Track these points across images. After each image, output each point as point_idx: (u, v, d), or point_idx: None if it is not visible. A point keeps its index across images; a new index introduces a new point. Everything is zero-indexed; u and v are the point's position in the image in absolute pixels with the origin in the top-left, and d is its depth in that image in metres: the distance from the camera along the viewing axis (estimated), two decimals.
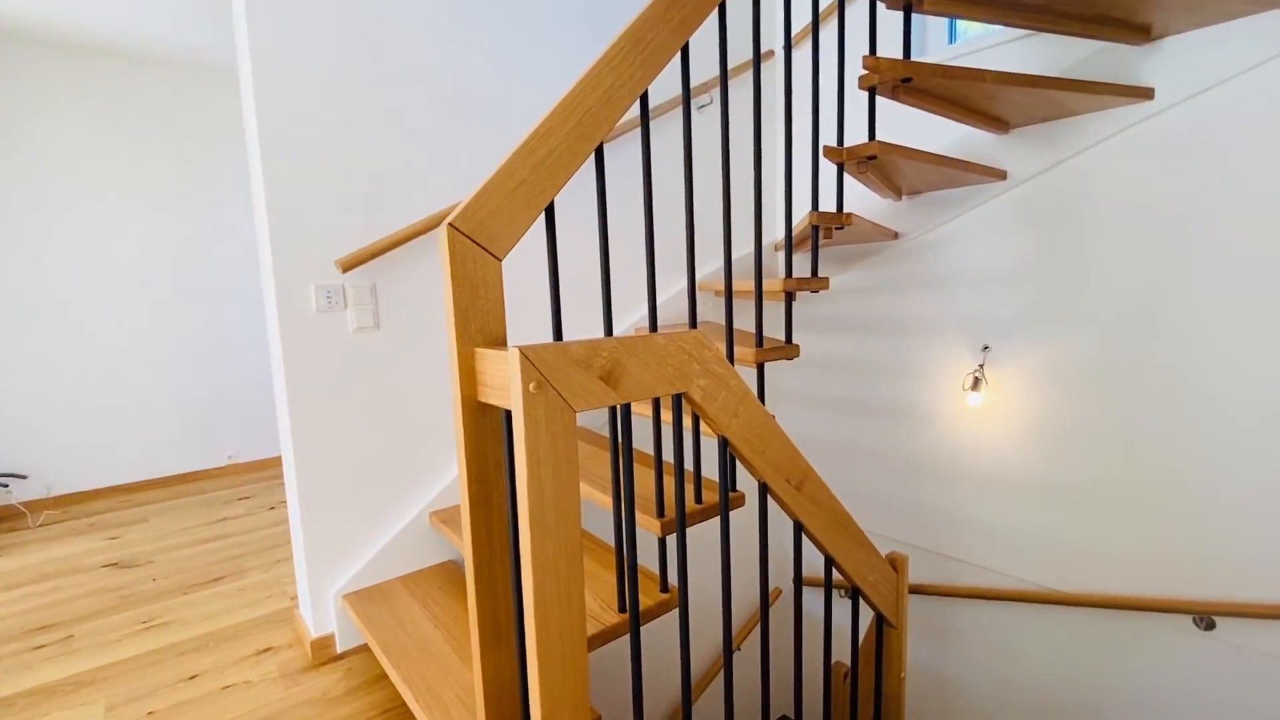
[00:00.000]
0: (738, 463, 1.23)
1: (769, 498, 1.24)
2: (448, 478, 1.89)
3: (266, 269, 1.62)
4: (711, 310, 2.54)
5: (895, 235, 2.42)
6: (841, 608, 2.77)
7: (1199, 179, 1.76)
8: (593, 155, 1.11)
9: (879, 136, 2.30)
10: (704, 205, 2.46)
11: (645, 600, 1.29)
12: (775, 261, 2.79)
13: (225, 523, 2.77)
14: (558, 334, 1.11)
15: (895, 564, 1.60)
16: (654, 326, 1.24)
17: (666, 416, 1.56)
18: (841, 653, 2.53)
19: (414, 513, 1.82)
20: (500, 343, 1.00)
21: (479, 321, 0.98)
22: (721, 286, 2.34)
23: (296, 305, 1.61)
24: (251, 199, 1.67)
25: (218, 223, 3.65)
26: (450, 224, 0.94)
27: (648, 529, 1.30)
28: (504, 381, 0.90)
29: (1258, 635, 1.78)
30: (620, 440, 1.07)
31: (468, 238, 0.95)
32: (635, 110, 2.11)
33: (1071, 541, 2.11)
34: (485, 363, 0.95)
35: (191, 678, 1.60)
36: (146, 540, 2.61)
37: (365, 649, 1.72)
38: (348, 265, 1.60)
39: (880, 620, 1.61)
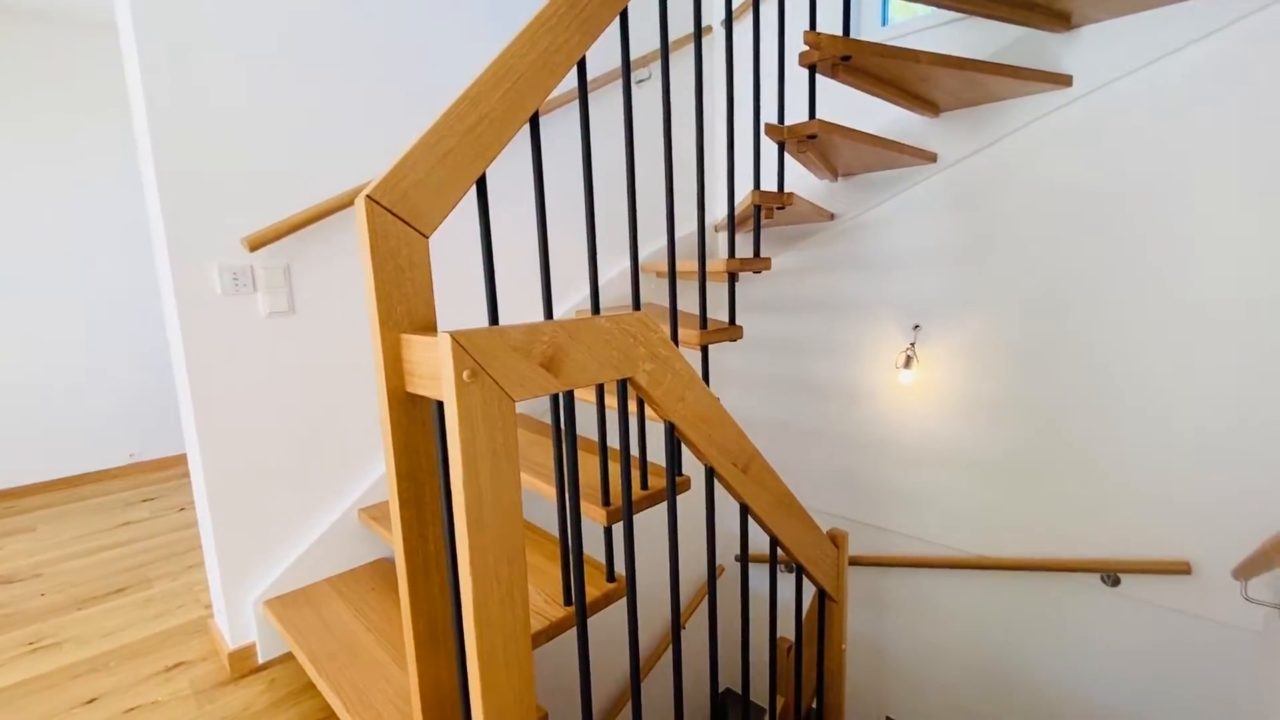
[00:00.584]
0: (683, 446, 1.20)
1: (715, 481, 1.21)
2: (377, 472, 1.78)
3: (160, 248, 1.45)
4: (652, 292, 2.51)
5: (831, 216, 2.45)
6: (786, 583, 2.83)
7: (1113, 164, 1.85)
8: (528, 124, 1.03)
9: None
10: (643, 184, 2.41)
11: (592, 591, 1.25)
12: (713, 243, 2.77)
13: (127, 528, 2.54)
14: (493, 318, 1.04)
15: (836, 541, 1.63)
16: (596, 309, 1.19)
17: (611, 402, 1.51)
18: (786, 629, 2.59)
19: (341, 510, 1.71)
20: (429, 328, 0.92)
21: (404, 305, 0.90)
22: (662, 268, 2.31)
23: (198, 288, 1.45)
24: (140, 169, 1.49)
25: (114, 198, 3.29)
26: (368, 196, 0.85)
27: (593, 518, 1.26)
28: (434, 370, 0.83)
29: (1156, 589, 1.93)
30: (564, 429, 1.02)
31: (389, 211, 0.87)
32: (571, 81, 2.02)
33: (994, 509, 2.22)
34: (412, 350, 0.87)
35: (89, 701, 1.45)
36: (34, 551, 2.35)
37: (290, 658, 1.60)
38: (257, 243, 1.46)
39: (822, 595, 1.63)
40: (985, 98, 1.97)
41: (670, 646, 1.20)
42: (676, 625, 1.18)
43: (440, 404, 0.89)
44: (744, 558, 1.35)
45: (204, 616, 1.80)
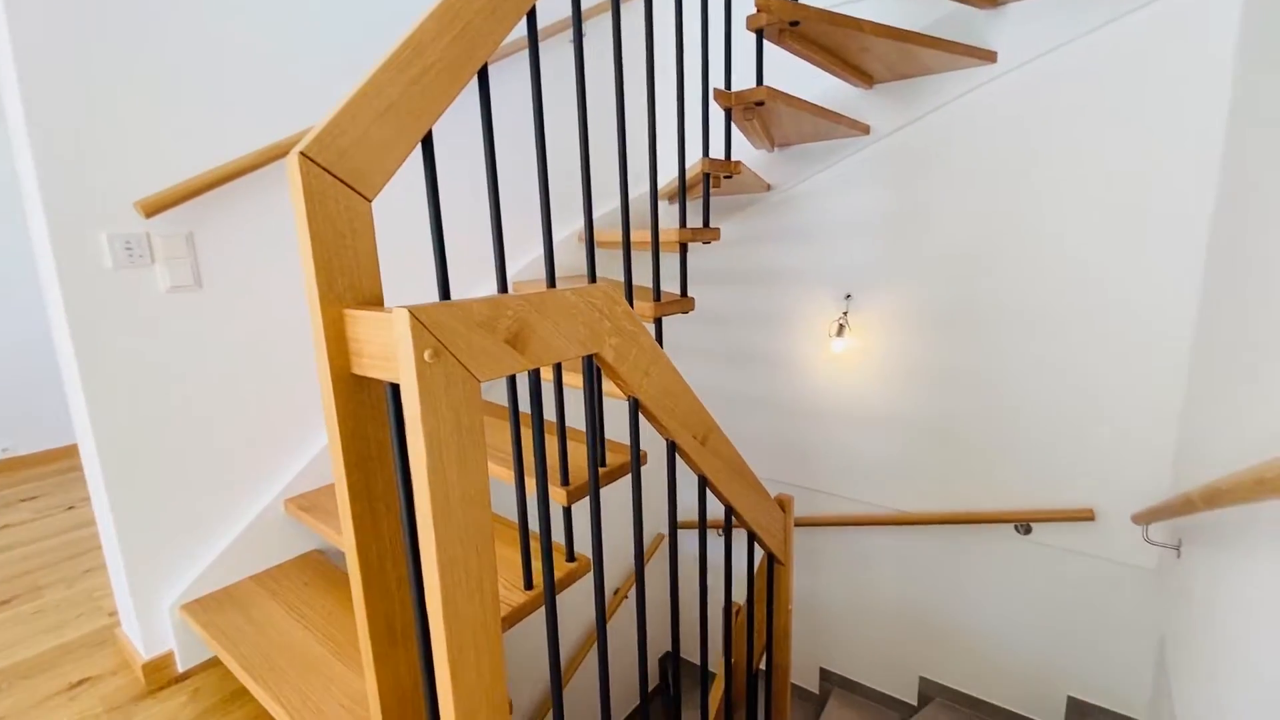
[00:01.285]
0: (640, 421, 1.17)
1: (675, 455, 1.20)
2: (304, 459, 1.65)
3: (36, 214, 1.25)
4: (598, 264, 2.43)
5: (768, 187, 2.46)
6: (717, 547, 2.90)
7: (1035, 138, 1.94)
8: (476, 77, 0.95)
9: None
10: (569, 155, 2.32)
11: (554, 573, 1.21)
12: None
13: (7, 531, 2.25)
14: (444, 292, 0.96)
15: (783, 505, 1.67)
16: (552, 281, 1.13)
17: (572, 380, 1.46)
18: (721, 593, 2.66)
19: (266, 501, 1.57)
20: (376, 302, 0.84)
21: (348, 277, 0.81)
22: (605, 237, 2.24)
23: (83, 259, 1.26)
24: (7, 121, 1.27)
25: None
26: (302, 154, 0.75)
27: (553, 499, 1.22)
28: (387, 350, 0.75)
29: (1062, 535, 2.11)
30: (531, 410, 0.97)
31: (326, 171, 0.77)
32: (516, 33, 1.90)
33: (920, 468, 2.35)
34: (360, 327, 0.79)
35: None
36: None
37: (214, 664, 1.48)
38: (153, 208, 1.28)
39: (771, 559, 1.68)
40: (917, 70, 2.02)
41: (605, 619, 1.19)
42: (641, 596, 1.17)
43: (395, 387, 0.82)
44: (702, 526, 1.35)
45: (108, 626, 1.63)
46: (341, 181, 0.79)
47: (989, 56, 1.92)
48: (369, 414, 0.84)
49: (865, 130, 2.18)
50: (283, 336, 1.57)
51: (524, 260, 2.20)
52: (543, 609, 1.38)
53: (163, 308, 1.38)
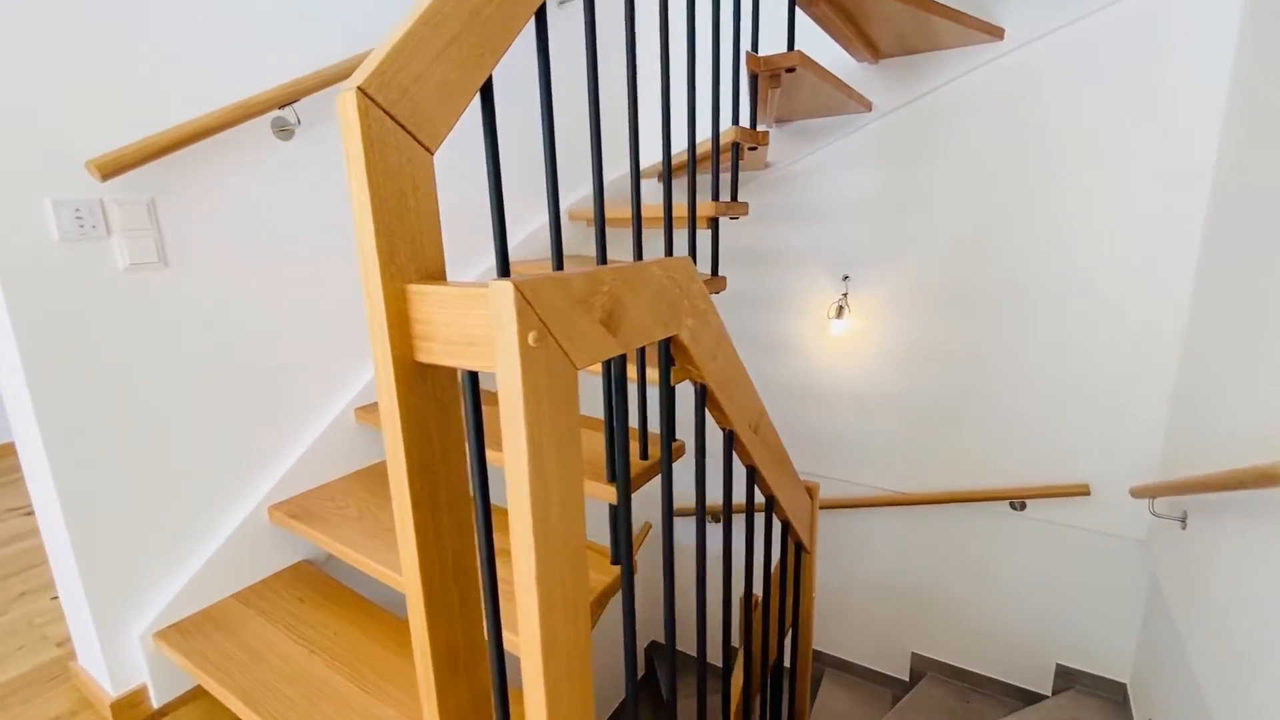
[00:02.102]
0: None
1: (732, 445, 1.11)
2: (288, 460, 1.46)
3: None
4: (580, 243, 2.30)
5: (766, 165, 2.39)
6: (715, 534, 2.85)
7: (1037, 118, 1.94)
8: (533, 19, 0.82)
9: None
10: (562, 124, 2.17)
11: (602, 578, 1.11)
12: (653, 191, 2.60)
13: None
14: (504, 268, 0.83)
15: (810, 493, 1.62)
16: (560, 261, 1.01)
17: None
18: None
19: (247, 509, 1.39)
20: (438, 275, 0.70)
21: (410, 246, 0.67)
22: (619, 214, 2.11)
23: (23, 229, 1.05)
24: None
25: None
26: (360, 89, 0.60)
27: (601, 497, 1.11)
28: (471, 332, 0.62)
29: (1055, 510, 2.16)
30: (612, 399, 0.85)
31: (387, 114, 0.63)
32: None
33: (919, 449, 2.36)
34: (430, 306, 0.66)
35: None
36: None
37: (199, 695, 1.30)
38: (110, 169, 1.08)
39: (798, 548, 1.62)
40: (925, 45, 1.97)
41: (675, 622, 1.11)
42: (702, 592, 1.08)
43: (472, 376, 0.69)
44: (749, 521, 1.27)
45: (60, 658, 1.41)
46: (403, 127, 0.65)
47: (997, 33, 1.90)
48: (433, 410, 0.71)
49: (868, 107, 2.13)
50: (260, 322, 1.38)
51: (515, 239, 2.05)
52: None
53: (121, 288, 1.17)
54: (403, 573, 0.74)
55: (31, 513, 2.19)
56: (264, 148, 1.36)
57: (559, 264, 1.00)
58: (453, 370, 0.72)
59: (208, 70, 1.25)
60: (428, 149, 0.68)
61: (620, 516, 0.92)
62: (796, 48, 1.63)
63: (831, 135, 2.26)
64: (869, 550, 2.56)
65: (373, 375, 1.63)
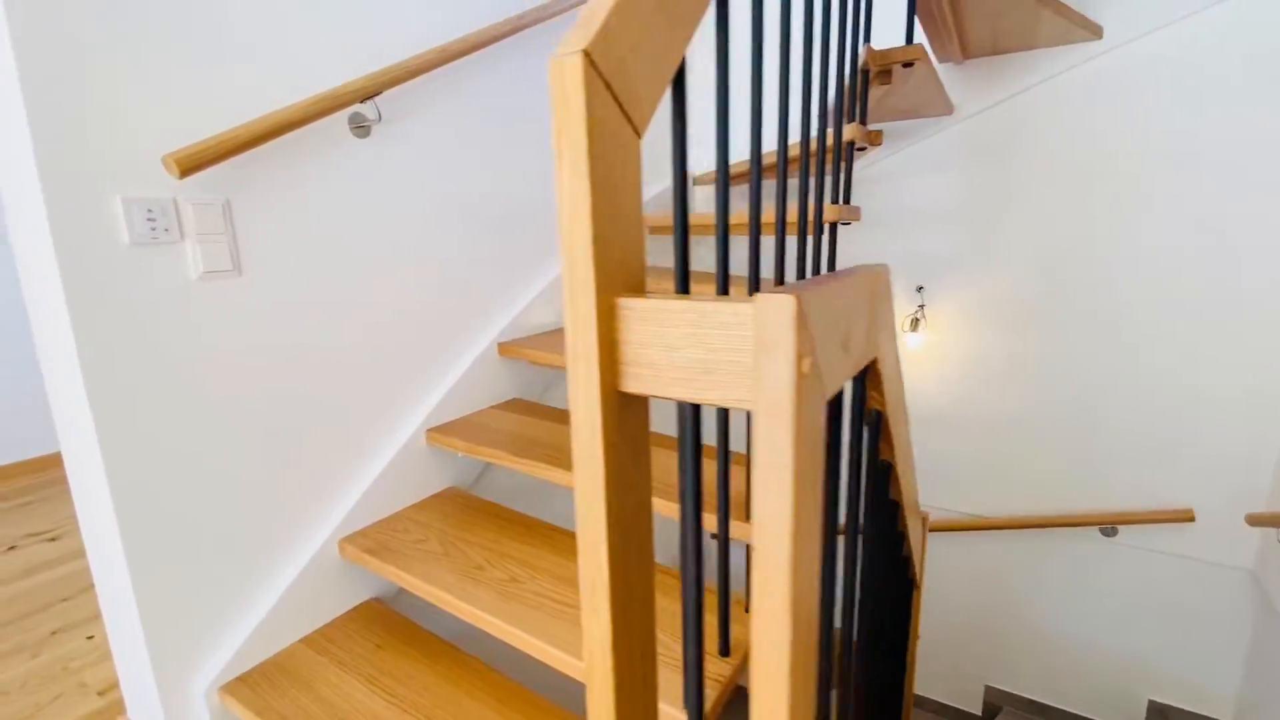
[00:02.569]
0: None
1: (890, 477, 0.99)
2: (359, 486, 1.33)
3: (24, 170, 0.89)
4: (657, 250, 2.17)
5: None
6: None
7: (1136, 123, 1.83)
8: None
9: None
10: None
11: (744, 632, 0.97)
12: (701, 198, 2.50)
13: None
14: (683, 283, 0.70)
15: (924, 521, 1.49)
16: (832, 263, 0.89)
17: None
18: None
19: (318, 542, 1.26)
20: (640, 288, 0.58)
21: (619, 251, 0.54)
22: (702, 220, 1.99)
23: (89, 230, 0.92)
24: None
25: None
26: (586, 53, 0.48)
27: (737, 537, 0.98)
28: (704, 356, 0.50)
29: (1151, 536, 2.03)
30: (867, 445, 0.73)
31: (607, 88, 0.51)
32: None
33: (1001, 471, 2.23)
34: (648, 324, 0.53)
35: None
36: None
37: None
38: (190, 164, 0.95)
39: (911, 582, 1.49)
40: (1019, 44, 1.87)
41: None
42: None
43: (694, 410, 0.57)
44: (892, 550, 1.14)
45: (104, 711, 1.26)
46: (620, 106, 0.52)
47: (1095, 31, 1.80)
48: (629, 452, 0.58)
49: (950, 110, 2.02)
50: (329, 337, 1.26)
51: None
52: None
53: (193, 299, 1.05)
54: (587, 648, 0.60)
55: (55, 538, 2.05)
56: (338, 146, 1.24)
57: (684, 281, 0.87)
58: (644, 403, 0.59)
59: (285, 58, 1.13)
60: (638, 133, 0.56)
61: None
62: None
63: (907, 139, 2.15)
64: (941, 576, 2.43)
65: (445, 394, 1.51)
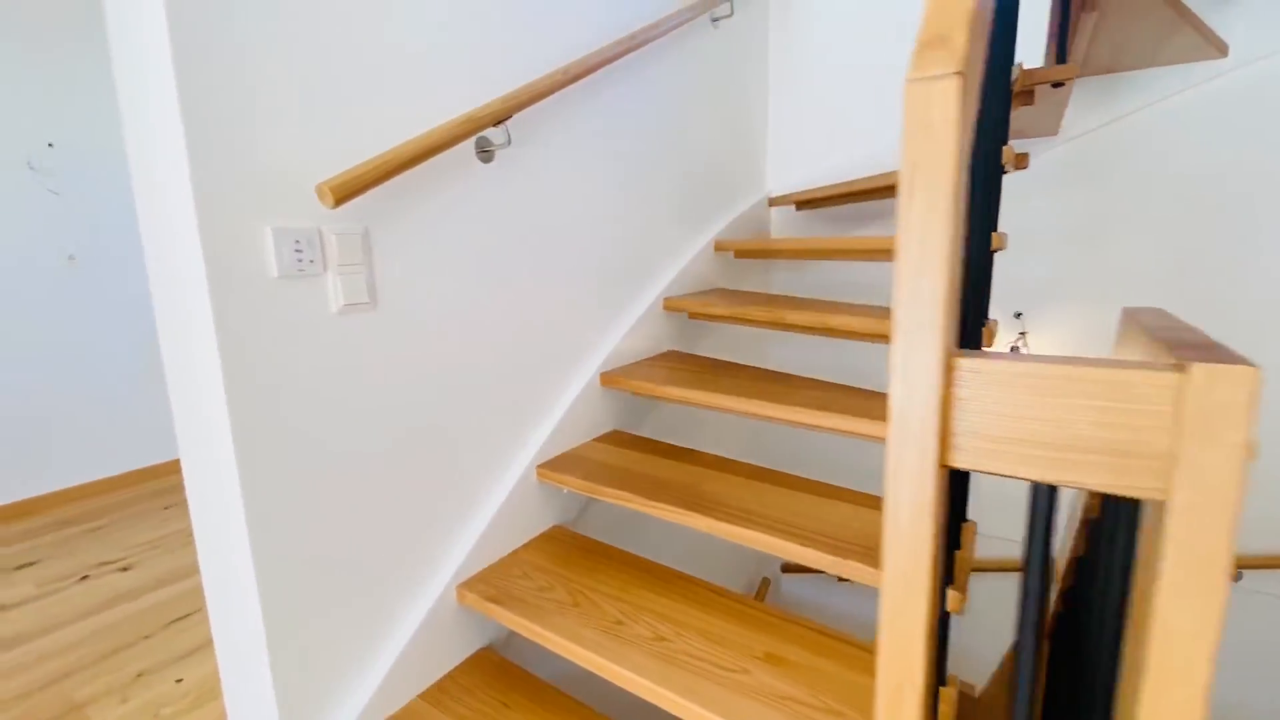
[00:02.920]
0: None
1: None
2: (475, 527, 1.26)
3: (179, 198, 0.84)
4: (728, 276, 2.11)
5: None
6: (847, 599, 2.60)
7: (1258, 149, 1.74)
8: None
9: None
10: (698, 152, 2.01)
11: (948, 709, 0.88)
12: (777, 221, 2.43)
13: (10, 617, 1.74)
14: (973, 334, 0.62)
15: None
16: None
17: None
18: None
19: (438, 588, 1.18)
20: (963, 343, 0.50)
21: (954, 300, 0.47)
22: (746, 243, 1.92)
23: (240, 263, 0.87)
24: (122, 68, 0.84)
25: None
26: (961, 74, 0.41)
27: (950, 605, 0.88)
28: (1083, 433, 0.42)
29: (1275, 581, 1.89)
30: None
31: (966, 113, 0.43)
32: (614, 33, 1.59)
33: None
34: (988, 388, 0.45)
35: None
36: None
37: None
38: (345, 192, 0.90)
39: None
40: (1137, 61, 1.79)
41: None
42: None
43: (1049, 497, 0.48)
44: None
45: None
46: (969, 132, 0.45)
47: (1222, 49, 1.71)
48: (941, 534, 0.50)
49: (1057, 130, 1.94)
50: (449, 373, 1.19)
51: (668, 272, 1.86)
52: None
53: (332, 334, 0.99)
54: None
55: (127, 568, 2.00)
56: (464, 172, 1.19)
57: (973, 329, 0.79)
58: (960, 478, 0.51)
59: (419, 81, 1.08)
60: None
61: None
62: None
63: None
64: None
65: (554, 427, 1.44)
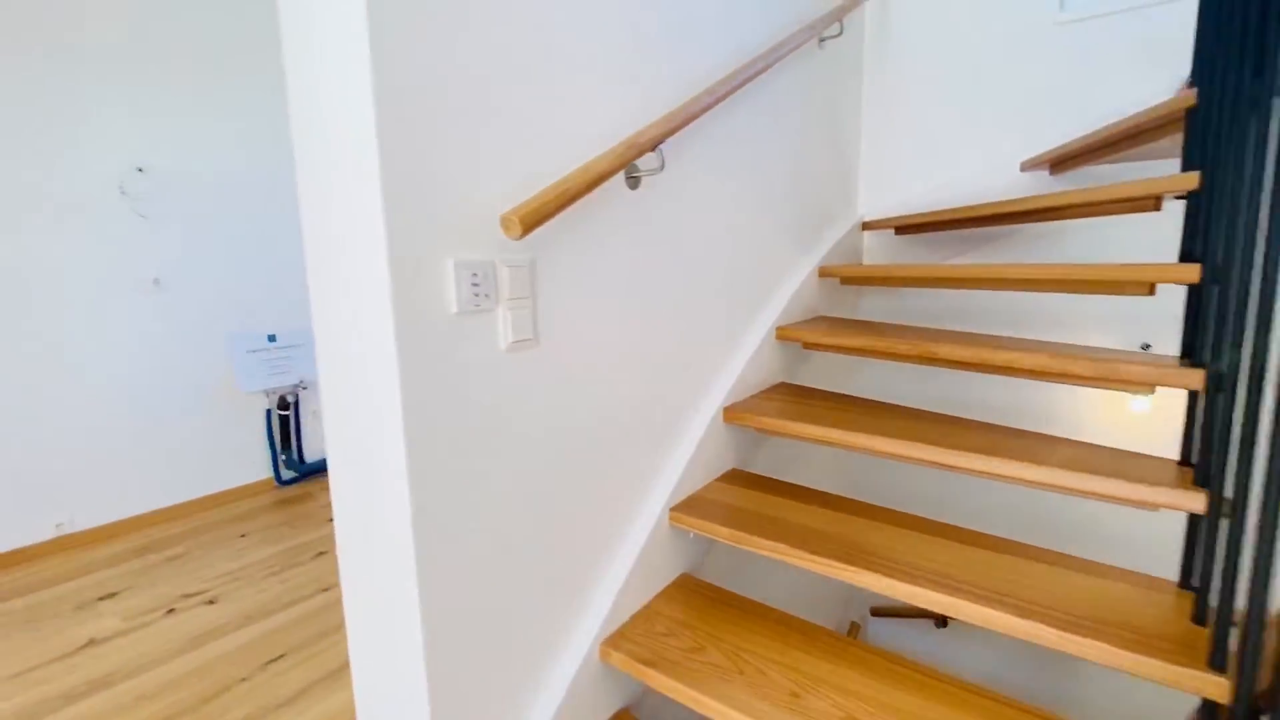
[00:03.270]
0: None
1: None
2: (611, 580, 1.18)
3: (369, 230, 0.78)
4: (835, 302, 2.02)
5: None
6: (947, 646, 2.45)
7: None
8: None
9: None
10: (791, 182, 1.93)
11: None
12: (868, 245, 2.34)
13: (98, 654, 1.69)
14: None
15: None
16: None
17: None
18: None
19: (583, 646, 1.09)
20: None
21: None
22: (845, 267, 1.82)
23: (422, 301, 0.81)
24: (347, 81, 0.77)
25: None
26: None
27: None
28: None
29: None
30: None
31: None
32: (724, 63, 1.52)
33: None
34: None
35: None
36: None
37: None
38: (533, 220, 0.83)
39: None
40: None
41: None
42: None
43: None
44: None
45: None
46: None
47: None
48: None
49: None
50: (598, 412, 1.11)
51: (782, 299, 1.77)
52: None
53: (500, 372, 0.92)
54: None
55: (214, 601, 1.94)
56: (615, 198, 1.12)
57: None
58: None
59: (585, 104, 1.02)
60: None
61: None
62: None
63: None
64: None
65: (685, 466, 1.35)
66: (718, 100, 1.23)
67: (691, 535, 1.37)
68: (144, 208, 2.50)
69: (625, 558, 1.20)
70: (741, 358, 1.56)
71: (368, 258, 0.78)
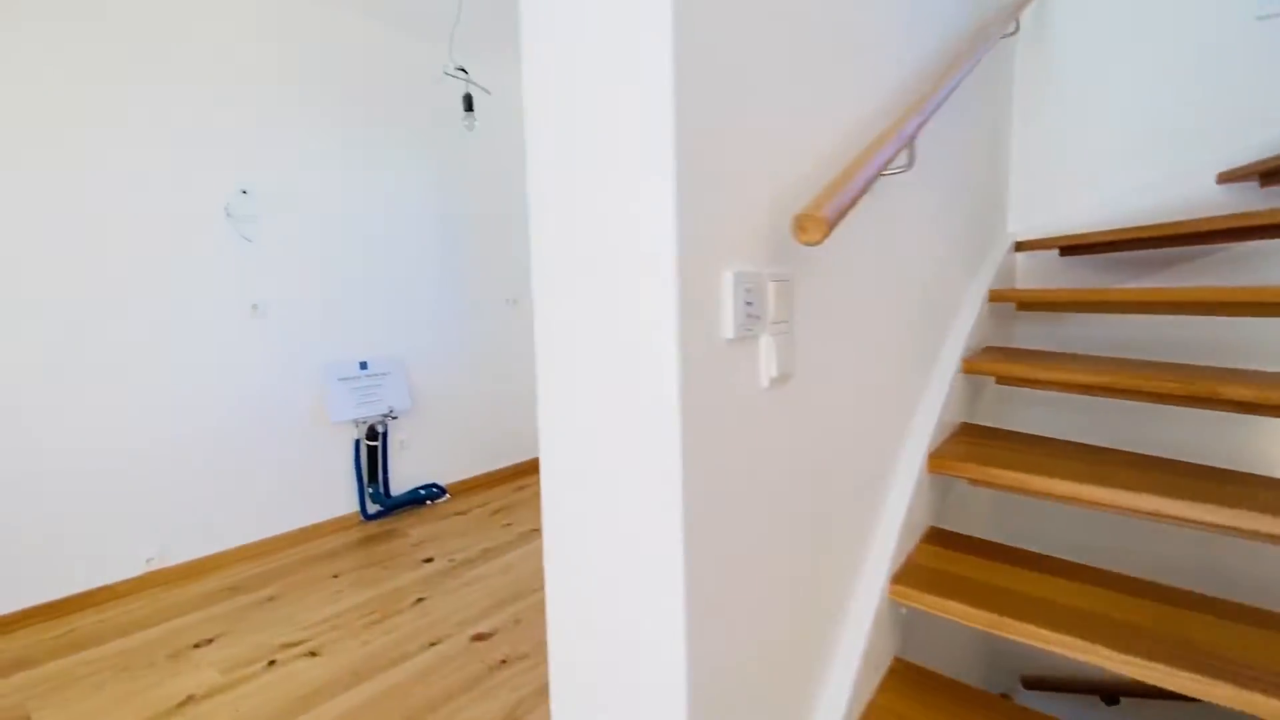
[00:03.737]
0: None
1: None
2: (841, 666, 0.95)
3: (655, 239, 0.60)
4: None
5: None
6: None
7: None
8: None
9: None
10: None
11: None
12: (1023, 268, 2.10)
13: (191, 712, 1.53)
14: None
15: None
16: None
17: None
18: None
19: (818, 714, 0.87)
20: None
21: None
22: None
23: (699, 323, 0.62)
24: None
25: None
26: None
27: None
28: None
29: None
30: None
31: None
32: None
33: None
34: None
35: None
36: None
37: None
38: (833, 223, 0.64)
39: None
40: None
41: None
42: None
43: None
44: None
45: None
46: None
47: None
48: None
49: None
50: (830, 459, 0.91)
51: (965, 326, 1.55)
52: None
53: (758, 417, 0.72)
54: None
55: (315, 652, 1.77)
56: (857, 205, 0.93)
57: None
58: None
59: (853, 86, 0.84)
60: None
61: None
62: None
63: None
64: None
65: (900, 525, 1.13)
66: (951, 91, 1.04)
67: (904, 611, 1.14)
68: (249, 231, 2.44)
69: (848, 638, 0.98)
70: (937, 396, 1.34)
71: (644, 268, 0.60)
